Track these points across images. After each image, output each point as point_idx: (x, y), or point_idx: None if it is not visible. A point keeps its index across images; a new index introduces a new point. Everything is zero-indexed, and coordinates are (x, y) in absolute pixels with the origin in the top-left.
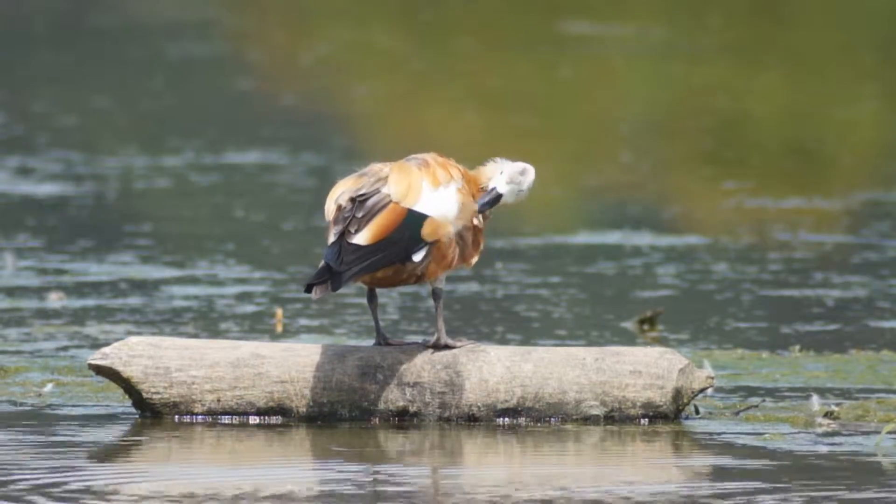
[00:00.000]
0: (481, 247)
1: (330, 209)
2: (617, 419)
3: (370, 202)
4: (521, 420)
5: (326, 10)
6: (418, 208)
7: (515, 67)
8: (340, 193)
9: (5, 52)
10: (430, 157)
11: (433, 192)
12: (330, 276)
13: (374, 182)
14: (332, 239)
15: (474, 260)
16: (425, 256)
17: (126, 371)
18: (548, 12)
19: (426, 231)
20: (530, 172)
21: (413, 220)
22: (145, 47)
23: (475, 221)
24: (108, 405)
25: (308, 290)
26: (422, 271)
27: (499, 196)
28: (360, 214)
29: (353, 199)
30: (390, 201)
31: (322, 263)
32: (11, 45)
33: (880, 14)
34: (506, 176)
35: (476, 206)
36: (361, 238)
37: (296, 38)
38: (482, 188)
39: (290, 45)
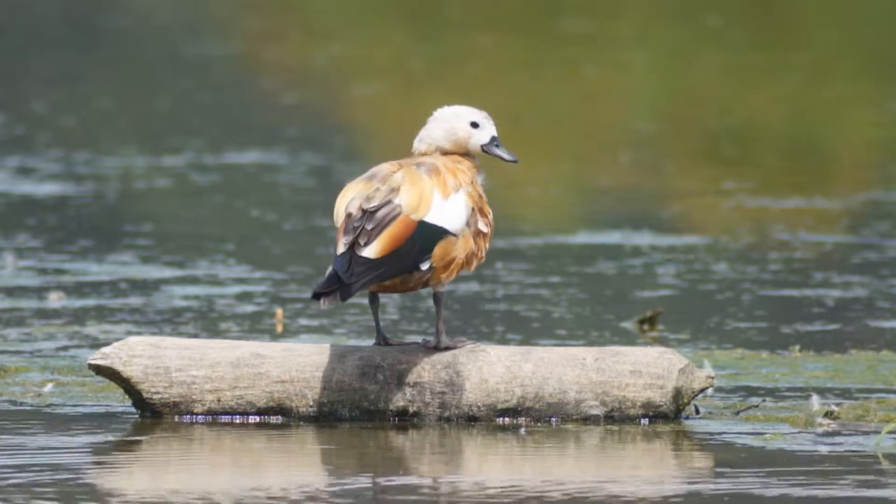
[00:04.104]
0: (483, 253)
1: (339, 215)
2: (617, 419)
3: (380, 213)
4: (521, 420)
5: (339, 10)
6: (429, 220)
7: (518, 67)
8: (350, 199)
9: (12, 53)
10: (439, 161)
11: (443, 202)
12: (339, 287)
13: (386, 192)
14: (341, 249)
15: (475, 265)
16: (431, 266)
17: (126, 371)
18: (551, 12)
19: (438, 252)
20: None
21: (423, 232)
22: (153, 48)
23: (483, 229)
24: (108, 405)
25: (315, 297)
26: (428, 279)
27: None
28: (370, 227)
29: (363, 210)
30: (400, 213)
31: (330, 271)
32: (20, 45)
33: (881, 14)
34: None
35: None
36: (371, 251)
37: (307, 38)
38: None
39: (300, 46)
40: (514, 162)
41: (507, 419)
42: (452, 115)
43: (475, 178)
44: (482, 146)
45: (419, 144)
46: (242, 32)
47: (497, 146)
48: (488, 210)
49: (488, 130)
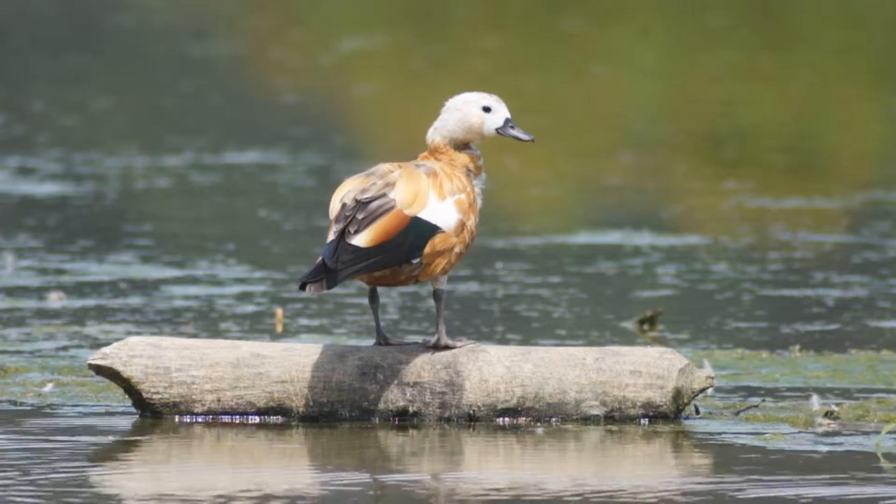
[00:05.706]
0: (460, 250)
1: (334, 207)
2: (617, 419)
3: (373, 205)
4: (521, 420)
5: (343, 10)
6: (422, 216)
7: (518, 66)
8: (346, 192)
9: (12, 53)
10: (437, 165)
11: (439, 203)
12: (325, 275)
13: (381, 186)
14: (331, 237)
15: (454, 263)
16: (420, 261)
17: (126, 371)
18: (555, 11)
19: (431, 247)
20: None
21: (416, 229)
22: (154, 47)
23: (462, 229)
24: (108, 405)
25: (302, 287)
26: (417, 274)
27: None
28: (361, 216)
29: (357, 200)
30: (393, 206)
31: (318, 260)
32: (20, 46)
33: (881, 14)
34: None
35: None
36: (360, 240)
37: (311, 38)
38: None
39: (304, 46)
40: (531, 140)
41: (507, 419)
42: (463, 103)
43: (470, 185)
44: (497, 129)
45: (433, 134)
46: (246, 32)
47: (512, 127)
48: (472, 215)
49: (501, 113)
